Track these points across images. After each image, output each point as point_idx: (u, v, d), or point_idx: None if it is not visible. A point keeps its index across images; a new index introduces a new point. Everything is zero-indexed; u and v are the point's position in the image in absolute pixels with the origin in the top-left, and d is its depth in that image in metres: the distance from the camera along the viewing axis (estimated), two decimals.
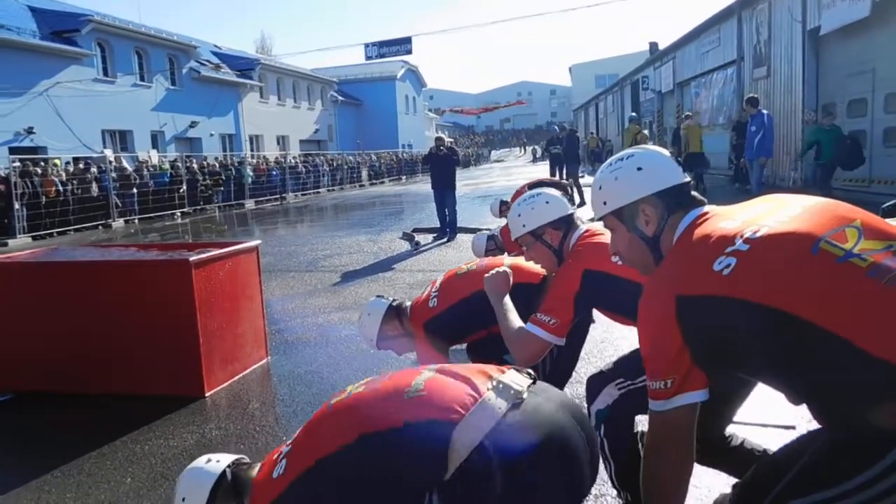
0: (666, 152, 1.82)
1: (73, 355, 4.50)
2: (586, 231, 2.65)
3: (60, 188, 16.91)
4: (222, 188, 23.60)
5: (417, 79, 56.77)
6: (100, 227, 17.81)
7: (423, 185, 27.21)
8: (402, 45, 35.88)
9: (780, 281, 1.36)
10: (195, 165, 23.06)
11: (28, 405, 4.47)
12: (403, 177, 39.91)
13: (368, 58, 36.87)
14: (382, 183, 36.19)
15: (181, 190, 21.23)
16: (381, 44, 36.52)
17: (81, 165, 19.22)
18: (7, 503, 3.17)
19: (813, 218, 1.45)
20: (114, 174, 18.92)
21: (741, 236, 1.45)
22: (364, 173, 35.59)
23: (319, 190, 30.03)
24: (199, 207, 21.93)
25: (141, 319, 4.37)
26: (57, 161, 19.09)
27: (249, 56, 38.86)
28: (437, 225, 12.21)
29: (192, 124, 29.25)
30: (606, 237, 2.25)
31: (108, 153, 20.25)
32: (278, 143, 37.33)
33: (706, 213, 1.66)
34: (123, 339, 4.41)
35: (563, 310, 2.42)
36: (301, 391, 4.43)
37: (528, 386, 1.67)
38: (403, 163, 41.76)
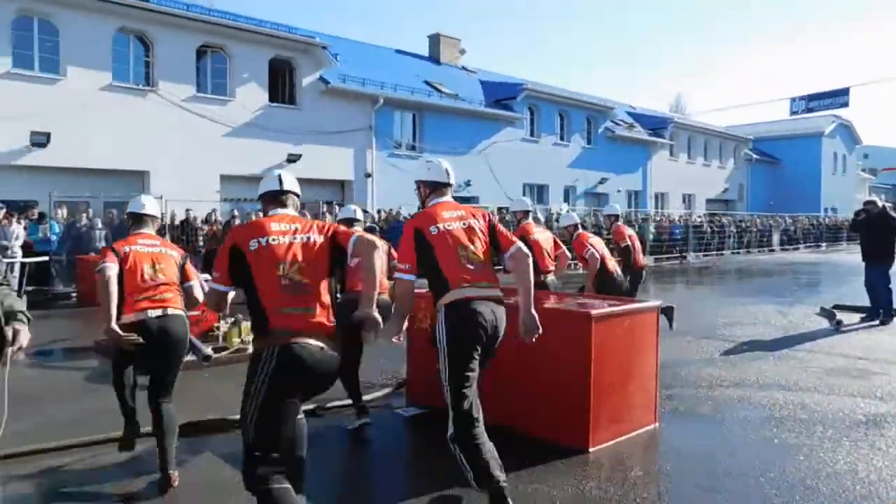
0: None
1: (483, 384, 4.96)
2: (442, 202, 3.83)
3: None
4: None
5: (850, 135, 49.85)
6: None
7: (847, 255, 23.61)
8: (836, 97, 31.89)
9: (435, 235, 3.58)
10: (601, 220, 23.99)
11: (439, 420, 5.07)
12: (823, 244, 35.20)
13: (793, 113, 33.66)
14: (797, 249, 32.50)
15: None
16: (811, 97, 33.01)
17: (502, 215, 21.67)
18: None
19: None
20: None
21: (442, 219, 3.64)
22: (776, 237, 32.45)
23: (723, 251, 28.39)
24: None
25: (540, 362, 4.60)
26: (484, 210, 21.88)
27: (663, 115, 39.28)
28: (867, 304, 10.32)
29: (602, 180, 30.66)
30: (452, 212, 3.76)
31: (528, 202, 22.41)
32: (684, 200, 36.65)
33: (442, 202, 3.80)
34: (519, 377, 4.70)
35: (404, 253, 3.67)
36: (689, 470, 4.11)
37: None
38: (824, 228, 36.88)
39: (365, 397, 5.66)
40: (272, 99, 20.05)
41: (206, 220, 16.18)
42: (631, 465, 4.19)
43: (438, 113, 24.26)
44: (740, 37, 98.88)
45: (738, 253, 29.08)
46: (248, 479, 2.78)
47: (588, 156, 30.17)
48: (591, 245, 7.77)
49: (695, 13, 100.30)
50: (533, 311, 3.62)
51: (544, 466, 4.09)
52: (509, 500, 3.26)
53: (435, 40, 29.83)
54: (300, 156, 19.90)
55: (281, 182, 3.29)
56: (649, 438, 4.70)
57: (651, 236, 25.04)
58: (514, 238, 3.78)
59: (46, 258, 13.39)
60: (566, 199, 28.51)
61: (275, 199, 3.26)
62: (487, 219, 3.83)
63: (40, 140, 15.29)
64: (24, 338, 2.42)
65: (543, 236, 7.53)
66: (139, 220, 4.37)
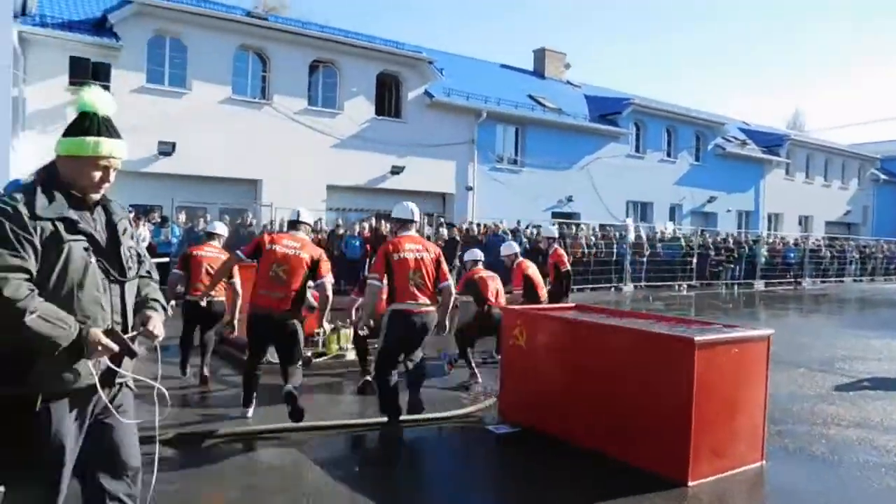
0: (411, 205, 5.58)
1: (576, 405, 4.86)
2: (407, 235, 5.40)
3: (585, 250, 18.98)
4: (733, 265, 22.96)
5: None
6: (612, 289, 19.25)
7: None
8: None
9: (396, 260, 5.22)
10: (709, 240, 23.05)
11: (530, 440, 5.00)
12: None
13: None
14: None
15: (691, 263, 21.44)
16: None
17: (604, 232, 21.21)
18: None
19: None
20: (631, 242, 20.30)
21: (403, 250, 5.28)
22: None
23: (843, 279, 26.53)
24: (706, 282, 21.75)
25: (640, 388, 4.44)
26: (585, 226, 21.50)
27: (778, 132, 37.20)
28: None
29: (711, 199, 29.40)
30: (412, 245, 5.33)
31: (629, 222, 21.85)
32: (800, 223, 34.53)
33: (407, 236, 5.38)
34: (621, 402, 4.55)
35: (376, 267, 5.29)
36: None
37: None
38: None
39: (457, 412, 5.70)
40: (378, 112, 20.61)
41: (312, 229, 16.78)
42: None
43: (541, 127, 24.11)
44: (865, 48, 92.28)
45: (860, 281, 27.10)
46: (380, 376, 5.23)
47: (696, 173, 29.03)
48: (529, 276, 8.21)
49: (815, 26, 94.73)
50: (446, 322, 5.48)
51: (639, 498, 3.92)
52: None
53: (540, 55, 29.73)
54: (403, 168, 20.32)
55: (413, 214, 5.50)
56: (755, 476, 4.40)
57: (763, 259, 23.76)
58: (448, 275, 5.39)
59: (167, 259, 14.32)
60: (671, 218, 27.52)
61: (405, 224, 5.47)
62: (437, 254, 5.38)
63: (166, 149, 16.42)
64: (155, 324, 2.43)
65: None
66: (293, 224, 5.72)
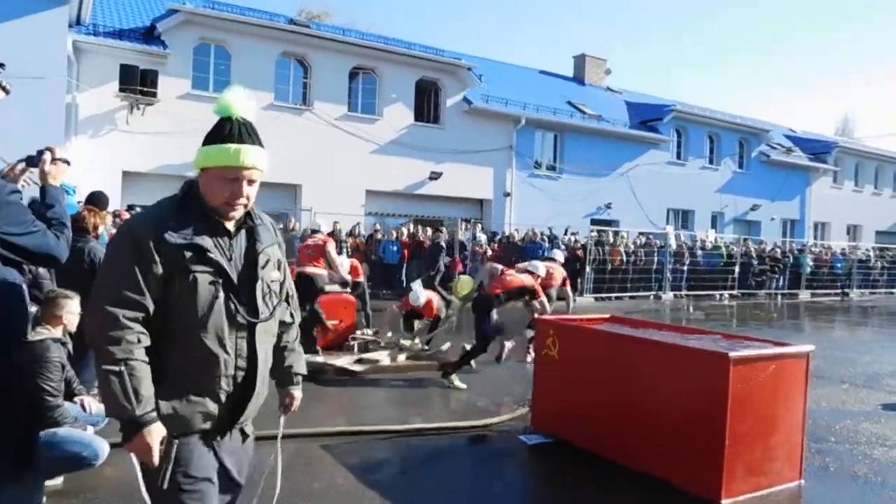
0: None
1: (609, 419, 4.82)
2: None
3: (624, 258, 18.78)
4: (777, 275, 22.43)
5: None
6: (651, 297, 18.99)
7: None
8: None
9: None
10: (751, 249, 22.57)
11: (561, 452, 4.98)
12: None
13: None
14: None
15: (733, 272, 21.02)
16: None
17: (644, 240, 20.94)
18: None
19: None
20: (671, 250, 20.00)
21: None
22: None
23: (894, 290, 25.66)
24: (748, 292, 21.29)
25: (673, 402, 4.38)
26: (625, 234, 21.26)
27: (826, 139, 36.20)
28: None
29: (754, 207, 28.79)
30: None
31: (670, 230, 21.53)
32: (848, 232, 33.53)
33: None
34: (654, 417, 4.49)
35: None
36: None
37: None
38: None
39: (488, 420, 5.71)
40: (417, 118, 20.73)
41: (351, 233, 16.98)
42: None
43: (580, 134, 23.95)
44: None
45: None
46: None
47: (739, 181, 28.45)
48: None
49: (866, 26, 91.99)
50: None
51: None
52: None
53: (580, 61, 29.54)
54: (441, 174, 20.40)
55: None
56: (792, 496, 4.30)
57: (808, 269, 23.16)
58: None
59: None
60: (713, 226, 27.02)
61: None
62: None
63: None
64: (296, 402, 2.35)
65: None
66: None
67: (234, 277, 2.00)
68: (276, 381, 2.32)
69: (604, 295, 18.02)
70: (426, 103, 21.39)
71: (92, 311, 1.90)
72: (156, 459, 1.88)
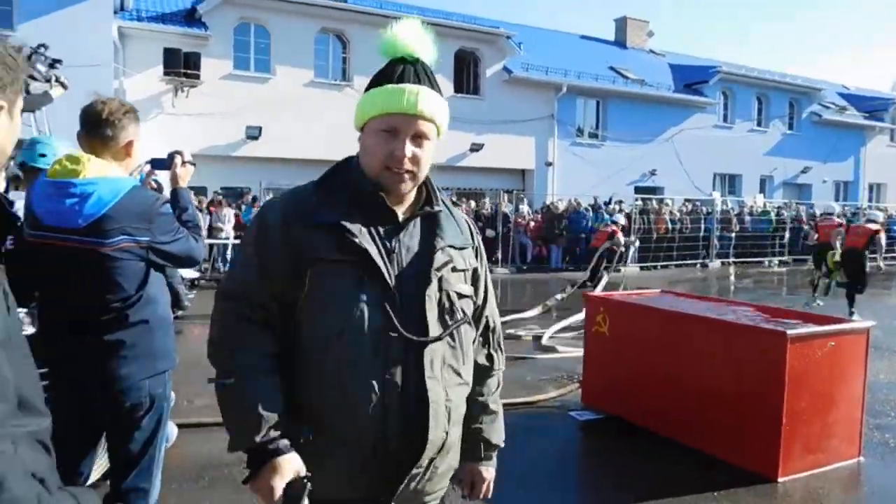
0: None
1: (660, 395, 4.83)
2: None
3: (670, 226, 18.48)
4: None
5: None
6: (697, 266, 18.69)
7: None
8: None
9: None
10: (802, 213, 21.94)
11: (613, 428, 5.01)
12: None
13: None
14: None
15: (783, 237, 20.50)
16: None
17: (690, 206, 20.54)
18: None
19: None
20: (718, 216, 19.59)
21: None
22: None
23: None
24: (798, 257, 20.75)
25: (727, 380, 4.36)
26: (670, 201, 20.89)
27: (882, 96, 34.67)
28: None
29: (805, 170, 27.92)
30: None
31: (716, 196, 21.06)
32: None
33: None
34: (707, 394, 4.48)
35: None
36: None
37: None
38: None
39: (539, 396, 5.77)
40: (457, 90, 20.58)
41: None
42: (824, 503, 3.84)
43: (623, 99, 23.47)
44: None
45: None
46: None
47: (789, 143, 27.56)
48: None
49: None
50: None
51: (725, 494, 3.87)
52: None
53: (621, 24, 28.80)
54: (483, 145, 20.28)
55: None
56: (851, 474, 4.26)
57: None
58: None
59: None
60: (762, 190, 26.31)
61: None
62: None
63: (253, 133, 17.05)
64: (484, 485, 1.77)
65: None
66: None
67: (390, 276, 1.43)
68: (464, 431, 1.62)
69: (649, 264, 17.81)
70: (465, 74, 21.20)
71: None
72: (274, 498, 1.33)
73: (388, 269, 1.43)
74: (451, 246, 1.53)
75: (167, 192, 2.82)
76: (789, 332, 4.07)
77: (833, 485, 4.09)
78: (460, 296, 1.53)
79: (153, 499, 2.48)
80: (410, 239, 1.50)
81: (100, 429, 2.45)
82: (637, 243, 15.82)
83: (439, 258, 1.49)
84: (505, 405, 5.35)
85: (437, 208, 1.56)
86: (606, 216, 15.34)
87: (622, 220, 13.86)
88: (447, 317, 1.49)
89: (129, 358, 2.30)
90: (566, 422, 5.29)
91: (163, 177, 3.76)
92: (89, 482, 2.65)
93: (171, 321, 2.52)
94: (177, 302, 3.82)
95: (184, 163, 2.77)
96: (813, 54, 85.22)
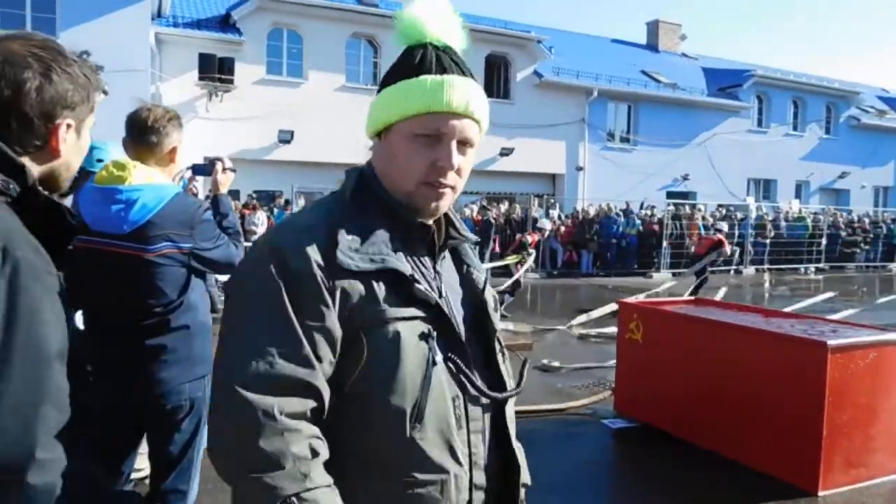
0: None
1: (697, 406, 4.75)
2: None
3: (703, 231, 18.20)
4: (869, 247, 21.29)
5: None
6: (731, 272, 18.39)
7: None
8: None
9: None
10: (840, 219, 21.48)
11: (646, 437, 4.95)
12: None
13: None
14: None
15: (820, 244, 20.09)
16: None
17: (724, 212, 20.23)
18: None
19: None
20: (752, 222, 19.27)
21: None
22: None
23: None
24: (836, 265, 20.31)
25: (766, 390, 4.27)
26: (702, 206, 20.60)
27: None
28: None
29: (843, 175, 27.32)
30: None
31: (750, 201, 20.73)
32: None
33: None
34: (745, 404, 4.40)
35: None
36: None
37: None
38: None
39: (571, 403, 5.72)
40: (487, 93, 19.98)
41: None
42: None
43: (655, 103, 23.22)
44: None
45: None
46: None
47: (826, 147, 27.00)
48: None
49: None
50: None
51: None
52: None
53: (653, 27, 28.53)
54: (513, 149, 20.23)
55: None
56: (894, 489, 4.15)
57: None
58: None
59: None
60: (797, 196, 25.81)
61: None
62: None
63: (285, 137, 17.26)
64: None
65: None
66: None
67: (459, 327, 1.16)
68: None
69: (682, 270, 17.56)
70: (496, 78, 21.19)
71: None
72: None
73: (454, 318, 1.15)
74: (486, 277, 1.30)
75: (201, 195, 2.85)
76: (830, 342, 3.98)
77: (875, 500, 3.99)
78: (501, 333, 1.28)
79: (191, 500, 2.51)
80: (449, 273, 1.24)
81: (141, 431, 2.49)
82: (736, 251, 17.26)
83: (489, 295, 1.27)
84: (536, 412, 5.38)
85: (464, 232, 1.27)
86: (707, 225, 16.58)
87: (725, 227, 15.04)
88: (506, 364, 1.26)
89: (170, 362, 2.33)
90: (599, 429, 5.24)
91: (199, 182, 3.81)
92: (130, 484, 2.69)
93: (210, 327, 2.55)
94: (211, 306, 3.85)
95: (224, 169, 2.80)
96: (852, 56, 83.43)
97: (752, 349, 4.47)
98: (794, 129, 26.63)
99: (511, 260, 10.84)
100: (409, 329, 1.08)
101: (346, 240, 1.06)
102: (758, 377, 4.34)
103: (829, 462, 3.98)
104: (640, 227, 18.05)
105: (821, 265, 19.93)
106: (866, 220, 22.16)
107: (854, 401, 4.08)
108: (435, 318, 1.12)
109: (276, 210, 15.37)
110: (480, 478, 1.15)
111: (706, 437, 4.65)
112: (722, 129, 24.32)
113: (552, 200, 20.35)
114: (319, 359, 1.03)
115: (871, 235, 21.38)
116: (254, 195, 16.07)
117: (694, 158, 23.63)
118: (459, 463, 1.11)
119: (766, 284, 16.57)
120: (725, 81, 25.20)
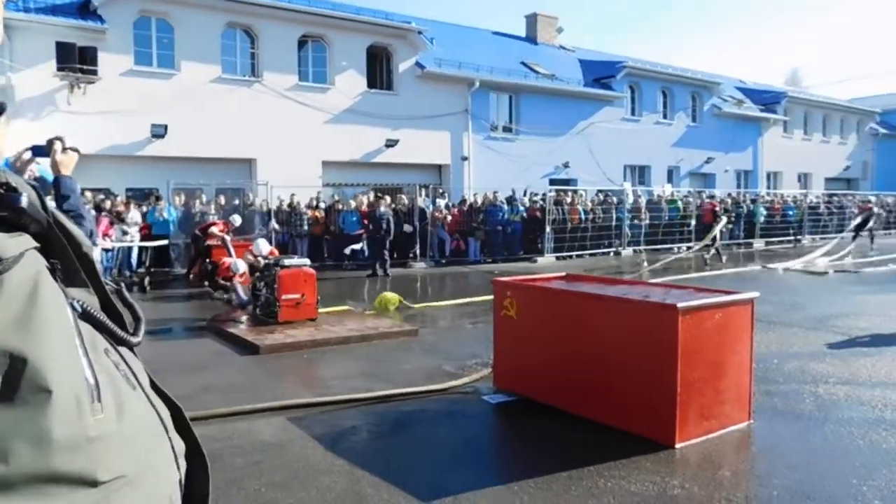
0: None
1: (564, 373, 4.96)
2: None
3: (583, 216, 19.00)
4: (732, 225, 22.95)
5: None
6: (610, 254, 19.31)
7: None
8: None
9: None
10: (706, 201, 22.99)
11: (523, 408, 5.12)
12: None
13: None
14: None
15: (690, 225, 21.46)
16: None
17: (602, 197, 21.18)
18: (488, 495, 3.65)
19: None
20: (628, 206, 20.30)
21: None
22: None
23: (843, 234, 26.47)
24: (705, 244, 21.71)
25: (626, 354, 4.52)
26: (583, 192, 21.47)
27: (775, 89, 36.82)
28: None
29: (708, 160, 29.30)
30: None
31: (627, 186, 21.80)
32: (799, 180, 34.42)
33: None
34: (608, 369, 4.64)
35: None
36: (782, 472, 3.92)
37: None
38: None
39: (453, 382, 5.81)
40: (370, 85, 20.45)
41: (310, 206, 16.82)
42: (720, 464, 4.05)
43: (535, 94, 23.93)
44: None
45: (862, 236, 27.04)
46: None
47: (693, 134, 28.88)
48: None
49: None
50: None
51: (627, 462, 4.02)
52: None
53: (532, 20, 29.36)
54: (398, 140, 20.25)
55: None
56: (742, 436, 4.51)
57: (761, 218, 23.75)
58: None
59: (166, 242, 14.39)
60: (669, 181, 27.44)
61: None
62: None
63: (159, 132, 16.37)
64: None
65: None
66: None
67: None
68: None
69: (564, 254, 18.26)
70: (378, 69, 21.10)
71: None
72: None
73: None
74: None
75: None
76: (679, 304, 4.26)
77: (726, 448, 4.32)
78: None
79: None
80: None
81: None
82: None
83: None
84: (419, 394, 5.41)
85: None
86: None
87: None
88: None
89: None
90: (479, 405, 5.36)
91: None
92: None
93: None
94: None
95: (64, 149, 2.61)
96: (715, 49, 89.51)
97: (612, 316, 4.72)
98: (664, 117, 28.28)
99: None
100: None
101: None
102: (618, 342, 4.59)
103: (684, 416, 4.27)
104: (525, 214, 18.59)
105: (691, 244, 21.27)
106: (729, 202, 23.87)
107: (704, 358, 4.40)
108: None
109: (146, 208, 14.55)
110: None
111: (575, 402, 4.87)
112: (598, 118, 25.45)
113: (440, 190, 20.54)
114: None
115: (734, 215, 23.06)
116: (128, 193, 15.22)
117: (574, 146, 24.58)
118: None
119: (644, 263, 17.50)
120: (600, 72, 26.35)
